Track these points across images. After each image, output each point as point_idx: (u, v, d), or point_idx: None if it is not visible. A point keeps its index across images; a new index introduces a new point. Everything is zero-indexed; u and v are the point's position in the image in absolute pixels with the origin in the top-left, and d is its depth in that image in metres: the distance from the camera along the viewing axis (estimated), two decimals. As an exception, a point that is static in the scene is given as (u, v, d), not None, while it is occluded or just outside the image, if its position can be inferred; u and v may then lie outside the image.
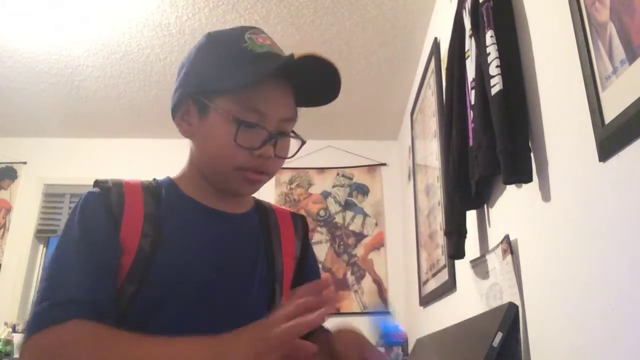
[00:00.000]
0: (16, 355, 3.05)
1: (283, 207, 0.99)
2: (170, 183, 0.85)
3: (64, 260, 0.72)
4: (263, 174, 0.80)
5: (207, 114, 0.79)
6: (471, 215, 1.67)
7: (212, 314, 0.76)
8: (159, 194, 0.82)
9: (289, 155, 0.83)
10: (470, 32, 1.51)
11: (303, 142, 0.84)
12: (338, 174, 3.82)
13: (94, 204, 0.77)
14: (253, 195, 0.92)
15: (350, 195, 3.77)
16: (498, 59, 1.24)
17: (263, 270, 0.84)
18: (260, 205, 0.93)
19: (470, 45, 1.53)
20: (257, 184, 0.81)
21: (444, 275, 2.12)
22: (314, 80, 0.80)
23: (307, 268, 0.91)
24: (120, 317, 0.71)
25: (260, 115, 0.77)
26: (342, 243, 3.66)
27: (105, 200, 0.77)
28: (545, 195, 1.15)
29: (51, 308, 0.66)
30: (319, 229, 3.67)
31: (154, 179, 0.86)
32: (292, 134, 0.83)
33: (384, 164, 3.81)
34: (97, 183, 0.80)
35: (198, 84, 0.80)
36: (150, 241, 0.75)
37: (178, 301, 0.75)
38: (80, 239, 0.73)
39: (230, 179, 0.80)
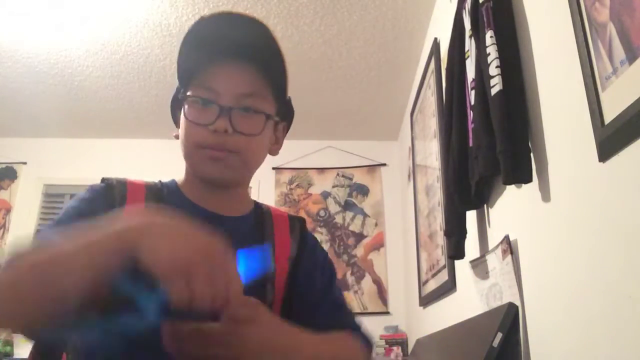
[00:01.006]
0: (16, 356, 3.06)
1: (283, 210, 0.98)
2: (173, 185, 0.87)
3: (40, 235, 0.73)
4: (226, 151, 0.79)
5: (181, 109, 0.83)
6: (471, 216, 1.67)
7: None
8: (161, 195, 0.83)
9: (255, 131, 0.81)
10: (470, 32, 1.51)
11: (267, 116, 0.83)
12: (338, 174, 3.82)
13: (95, 196, 0.79)
14: (253, 198, 0.93)
15: (350, 195, 3.77)
16: (498, 59, 1.24)
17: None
18: (258, 208, 0.93)
19: (470, 45, 1.53)
20: (222, 163, 0.80)
21: (443, 276, 2.12)
22: (252, 44, 0.80)
23: (303, 268, 0.90)
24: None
25: (214, 92, 0.79)
26: (342, 243, 3.66)
27: (107, 196, 0.78)
28: (545, 196, 1.15)
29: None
30: (318, 229, 3.67)
31: (159, 181, 0.88)
32: (251, 108, 0.81)
33: (384, 165, 3.82)
34: (103, 180, 0.82)
35: (177, 88, 0.86)
36: None
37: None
38: (67, 220, 0.74)
39: (195, 160, 0.81)
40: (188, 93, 0.81)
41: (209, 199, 0.85)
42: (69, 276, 0.56)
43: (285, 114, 0.90)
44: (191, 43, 0.79)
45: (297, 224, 0.94)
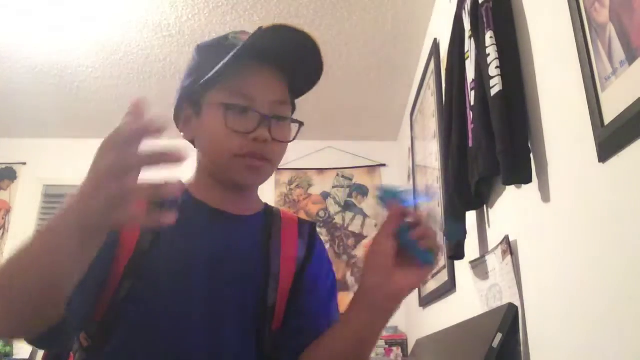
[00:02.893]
0: (15, 356, 3.06)
1: (293, 213, 0.99)
2: (180, 185, 0.87)
3: None
4: (264, 160, 0.80)
5: (201, 111, 0.81)
6: (471, 216, 1.67)
7: (205, 309, 0.77)
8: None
9: (289, 138, 0.83)
10: (470, 32, 1.51)
11: (301, 125, 0.84)
12: (338, 175, 3.82)
13: None
14: (263, 201, 0.94)
15: (349, 196, 3.77)
16: (497, 60, 1.24)
17: (256, 270, 0.84)
18: (268, 210, 0.93)
19: (469, 46, 1.53)
20: (259, 172, 0.81)
21: (443, 276, 2.12)
22: (300, 59, 0.80)
23: (310, 272, 0.89)
24: (119, 310, 0.72)
25: (250, 99, 0.78)
26: (341, 244, 3.66)
27: None
28: (545, 196, 1.15)
29: None
30: (318, 229, 3.66)
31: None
32: (288, 117, 0.83)
33: (384, 165, 3.81)
34: None
35: (190, 85, 0.83)
36: (149, 238, 0.76)
37: (172, 296, 0.76)
38: None
39: (231, 169, 0.80)
40: (222, 100, 0.78)
41: (220, 200, 0.84)
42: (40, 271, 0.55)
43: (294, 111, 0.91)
44: (239, 55, 0.77)
45: (306, 227, 0.95)
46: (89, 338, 0.74)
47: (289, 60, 0.81)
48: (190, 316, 0.75)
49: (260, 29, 0.76)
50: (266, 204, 0.94)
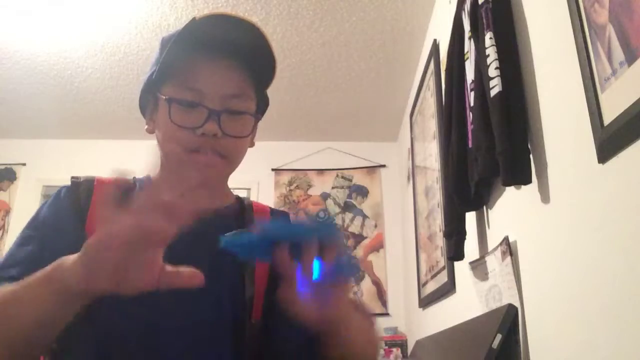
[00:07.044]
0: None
1: (265, 204, 0.96)
2: (147, 180, 0.85)
3: (11, 247, 0.75)
4: (216, 155, 0.78)
5: (157, 105, 0.81)
6: (470, 217, 1.67)
7: (175, 301, 0.75)
8: (132, 190, 0.82)
9: (244, 133, 0.80)
10: (470, 33, 1.51)
11: (257, 118, 0.81)
12: (337, 176, 3.82)
13: (60, 198, 0.79)
14: (234, 193, 0.92)
15: (349, 196, 3.77)
16: (497, 61, 1.24)
17: (230, 263, 0.80)
18: (240, 202, 0.92)
19: (469, 46, 1.53)
20: (210, 167, 0.79)
21: (443, 277, 2.12)
22: (244, 47, 0.78)
23: None
24: (90, 306, 0.71)
25: (199, 94, 0.77)
26: (341, 244, 3.66)
27: (72, 195, 0.78)
28: (545, 197, 1.15)
29: None
30: (318, 230, 3.66)
31: (133, 177, 0.87)
32: (239, 110, 0.79)
33: (384, 166, 3.82)
34: (71, 178, 0.82)
35: (150, 78, 0.83)
36: None
37: (136, 300, 0.74)
38: (32, 228, 0.76)
39: (181, 164, 0.79)
40: (171, 94, 0.78)
41: (184, 195, 0.84)
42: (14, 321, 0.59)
43: (263, 107, 0.89)
44: (177, 41, 0.76)
45: (279, 217, 0.93)
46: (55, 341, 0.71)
47: (231, 49, 0.78)
48: (163, 309, 0.72)
49: (193, 19, 0.75)
50: (237, 196, 0.92)
